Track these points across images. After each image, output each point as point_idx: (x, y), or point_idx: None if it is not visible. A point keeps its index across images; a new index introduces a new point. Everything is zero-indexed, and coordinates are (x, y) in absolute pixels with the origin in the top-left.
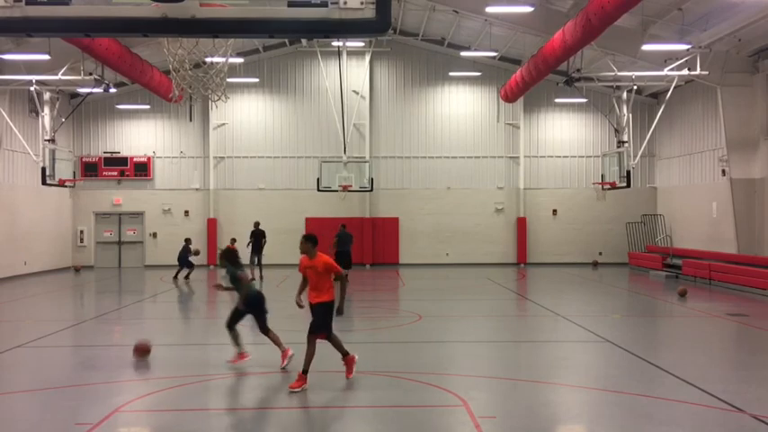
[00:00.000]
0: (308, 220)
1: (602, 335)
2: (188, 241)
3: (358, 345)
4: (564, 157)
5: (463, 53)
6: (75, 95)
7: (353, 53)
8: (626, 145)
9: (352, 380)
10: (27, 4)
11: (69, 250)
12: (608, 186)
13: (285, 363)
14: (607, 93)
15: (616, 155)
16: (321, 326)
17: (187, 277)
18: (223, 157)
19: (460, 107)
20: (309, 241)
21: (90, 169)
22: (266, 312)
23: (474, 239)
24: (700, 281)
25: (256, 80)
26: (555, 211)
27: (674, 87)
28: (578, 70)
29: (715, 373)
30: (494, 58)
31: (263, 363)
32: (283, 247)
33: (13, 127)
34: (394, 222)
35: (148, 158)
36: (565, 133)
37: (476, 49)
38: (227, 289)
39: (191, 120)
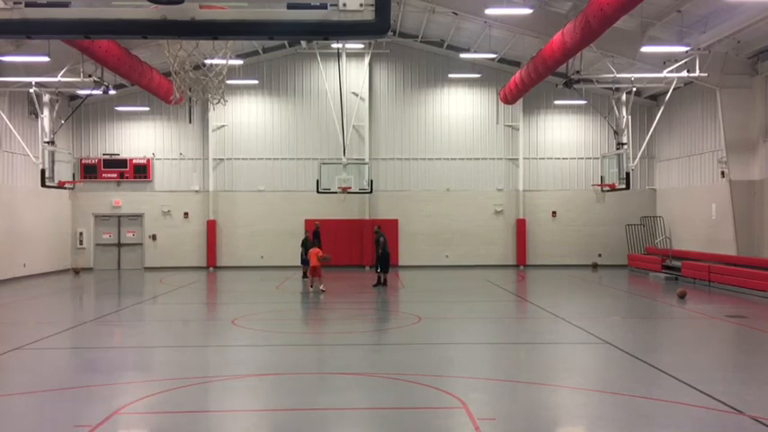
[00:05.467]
0: (307, 221)
1: (602, 336)
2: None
3: (357, 346)
4: (563, 158)
5: (462, 55)
6: (74, 97)
7: (353, 55)
8: (625, 147)
9: (352, 381)
10: (27, 6)
11: (68, 252)
12: (607, 188)
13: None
14: (606, 95)
15: (615, 157)
16: None
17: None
18: (222, 159)
19: (460, 109)
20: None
21: (89, 171)
22: None
23: (473, 241)
24: (699, 282)
25: (256, 82)
26: (554, 213)
27: (674, 89)
28: (577, 72)
29: (714, 374)
30: (493, 59)
31: (263, 364)
32: (284, 249)
33: (12, 129)
34: (393, 224)
35: (148, 160)
36: (564, 135)
37: (475, 51)
38: None
39: (190, 121)
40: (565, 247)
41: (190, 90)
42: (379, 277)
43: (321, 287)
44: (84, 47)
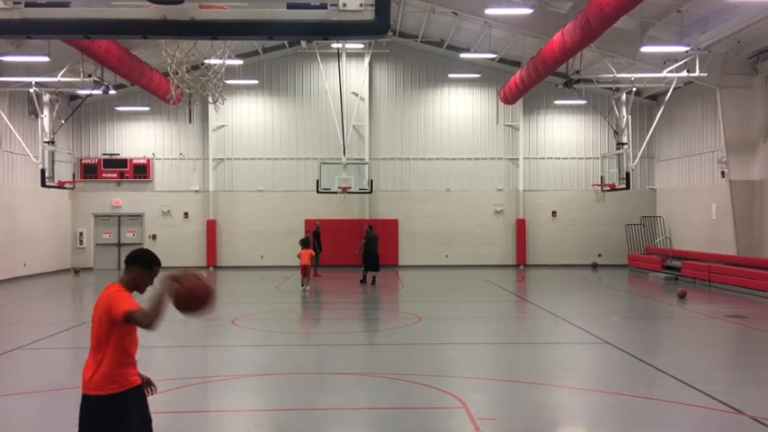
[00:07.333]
0: (307, 221)
1: (602, 336)
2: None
3: (357, 346)
4: (563, 158)
5: (462, 55)
6: (74, 97)
7: (353, 55)
8: (625, 147)
9: (352, 381)
10: (26, 6)
11: (68, 252)
12: (607, 188)
13: None
14: (606, 94)
15: (615, 156)
16: None
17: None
18: (222, 159)
19: (460, 109)
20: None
21: (89, 171)
22: None
23: (473, 241)
24: (699, 282)
25: (256, 82)
26: (554, 213)
27: (674, 89)
28: (577, 72)
29: (714, 374)
30: (493, 59)
31: (263, 364)
32: (283, 249)
33: (12, 129)
34: (393, 224)
35: (148, 160)
36: (564, 135)
37: (475, 51)
38: None
39: (190, 121)
40: (565, 246)
41: (188, 89)
42: (373, 277)
43: (307, 287)
44: (84, 47)
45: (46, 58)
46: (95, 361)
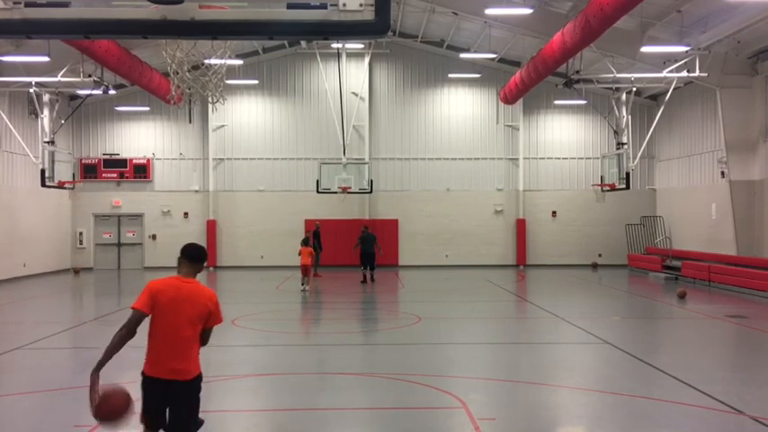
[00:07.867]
0: (307, 221)
1: (602, 336)
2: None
3: (357, 346)
4: (563, 158)
5: (462, 55)
6: (74, 97)
7: (353, 55)
8: (625, 147)
9: (352, 381)
10: (26, 6)
11: (68, 252)
12: (607, 188)
13: None
14: (606, 94)
15: (615, 156)
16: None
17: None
18: (222, 159)
19: (460, 109)
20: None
21: (89, 171)
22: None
23: (473, 241)
24: (699, 282)
25: (255, 82)
26: (554, 213)
27: (674, 89)
28: (577, 72)
29: (714, 374)
30: (493, 59)
31: (263, 364)
32: (283, 249)
33: (12, 129)
34: (393, 224)
35: (148, 160)
36: (564, 135)
37: (475, 51)
38: None
39: (190, 121)
40: (565, 246)
41: (189, 89)
42: (371, 273)
43: (307, 287)
44: (84, 47)
45: (46, 58)
46: (195, 351)
